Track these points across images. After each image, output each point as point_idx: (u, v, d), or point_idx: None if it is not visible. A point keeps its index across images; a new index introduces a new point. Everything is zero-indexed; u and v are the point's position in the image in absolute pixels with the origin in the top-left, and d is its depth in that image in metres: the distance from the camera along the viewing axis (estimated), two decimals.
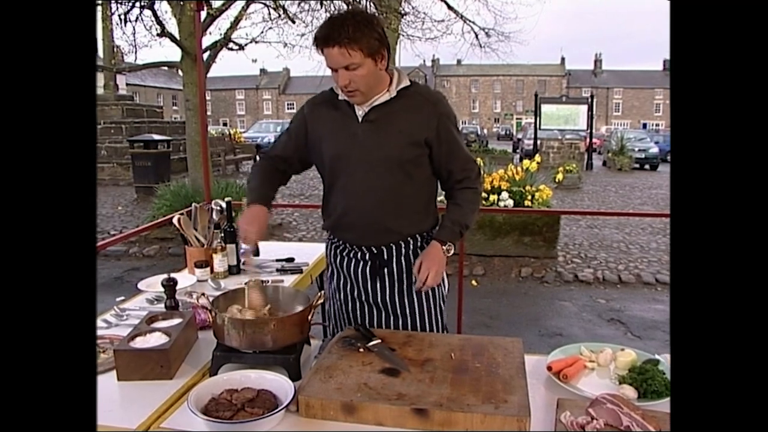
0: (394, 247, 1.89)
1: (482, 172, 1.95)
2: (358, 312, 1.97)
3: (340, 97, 1.82)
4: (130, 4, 9.36)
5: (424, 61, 22.49)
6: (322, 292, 1.70)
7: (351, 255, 1.94)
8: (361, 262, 1.93)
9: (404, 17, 11.60)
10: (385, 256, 1.90)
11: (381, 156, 1.79)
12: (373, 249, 1.90)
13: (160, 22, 9.23)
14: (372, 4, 10.38)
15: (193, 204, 2.65)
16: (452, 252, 1.88)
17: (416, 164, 1.83)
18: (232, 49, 10.00)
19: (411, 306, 1.92)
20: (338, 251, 1.99)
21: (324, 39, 1.66)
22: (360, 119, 1.81)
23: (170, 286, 1.92)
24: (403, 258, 1.89)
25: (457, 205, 1.91)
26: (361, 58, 1.66)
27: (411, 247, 1.90)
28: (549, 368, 1.54)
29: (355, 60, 1.66)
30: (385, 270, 1.91)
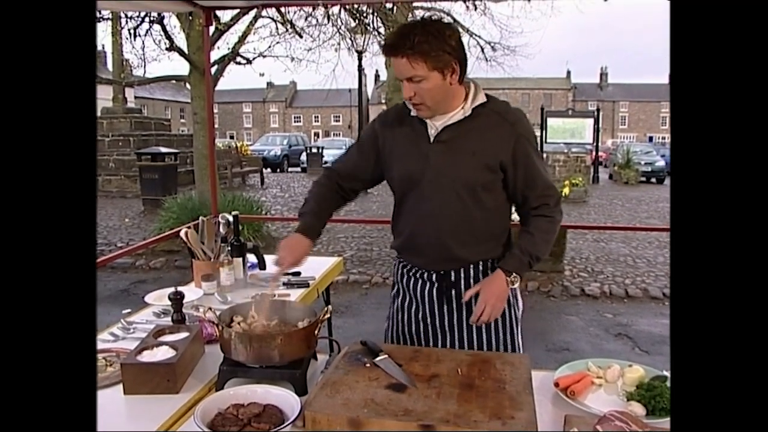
0: (462, 270, 1.82)
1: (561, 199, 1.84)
2: (422, 335, 1.89)
3: (412, 113, 1.74)
4: (140, 18, 9.50)
5: None
6: (329, 306, 1.69)
7: (418, 276, 1.88)
8: (428, 284, 1.86)
9: None
10: (453, 279, 1.82)
11: (451, 179, 1.70)
12: (441, 272, 1.83)
13: (169, 37, 9.36)
14: (379, 18, 10.47)
15: (201, 217, 2.66)
16: (517, 284, 1.76)
17: (489, 189, 1.73)
18: (239, 63, 10.13)
19: (479, 332, 1.83)
20: (405, 271, 1.92)
21: (389, 47, 1.61)
22: (432, 139, 1.72)
23: (177, 299, 1.93)
24: (471, 281, 1.81)
25: (528, 233, 1.77)
26: (425, 71, 1.58)
27: (480, 269, 1.82)
28: (556, 384, 1.53)
29: (419, 72, 1.58)
30: (453, 293, 1.83)
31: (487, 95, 1.74)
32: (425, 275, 1.86)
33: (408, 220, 1.81)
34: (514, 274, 1.74)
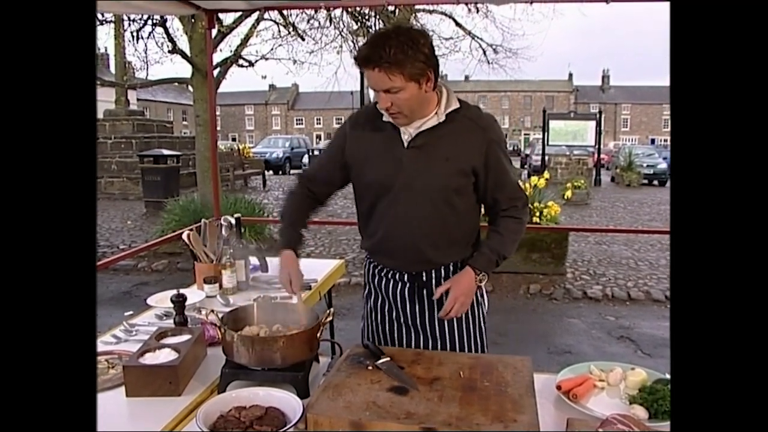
0: (434, 271, 1.85)
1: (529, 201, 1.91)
2: (396, 333, 1.93)
3: (384, 118, 1.73)
4: (143, 21, 9.53)
5: None
6: (331, 309, 1.70)
7: (390, 276, 1.90)
8: (400, 284, 1.89)
9: None
10: (425, 279, 1.86)
11: (425, 184, 1.72)
12: (413, 273, 1.86)
13: (171, 39, 9.38)
14: (381, 21, 10.48)
15: (203, 220, 2.67)
16: (485, 282, 1.81)
17: (461, 193, 1.77)
18: (242, 66, 10.15)
19: (450, 328, 1.87)
20: (376, 271, 1.94)
21: (364, 60, 1.59)
22: (406, 144, 1.73)
23: (179, 302, 1.93)
24: (443, 281, 1.84)
25: (497, 233, 1.83)
26: (402, 82, 1.58)
27: (451, 270, 1.86)
28: (558, 387, 1.53)
29: (396, 84, 1.58)
30: (425, 292, 1.87)
31: (459, 100, 1.75)
32: (397, 276, 1.89)
33: (380, 223, 1.82)
34: (482, 272, 1.79)
